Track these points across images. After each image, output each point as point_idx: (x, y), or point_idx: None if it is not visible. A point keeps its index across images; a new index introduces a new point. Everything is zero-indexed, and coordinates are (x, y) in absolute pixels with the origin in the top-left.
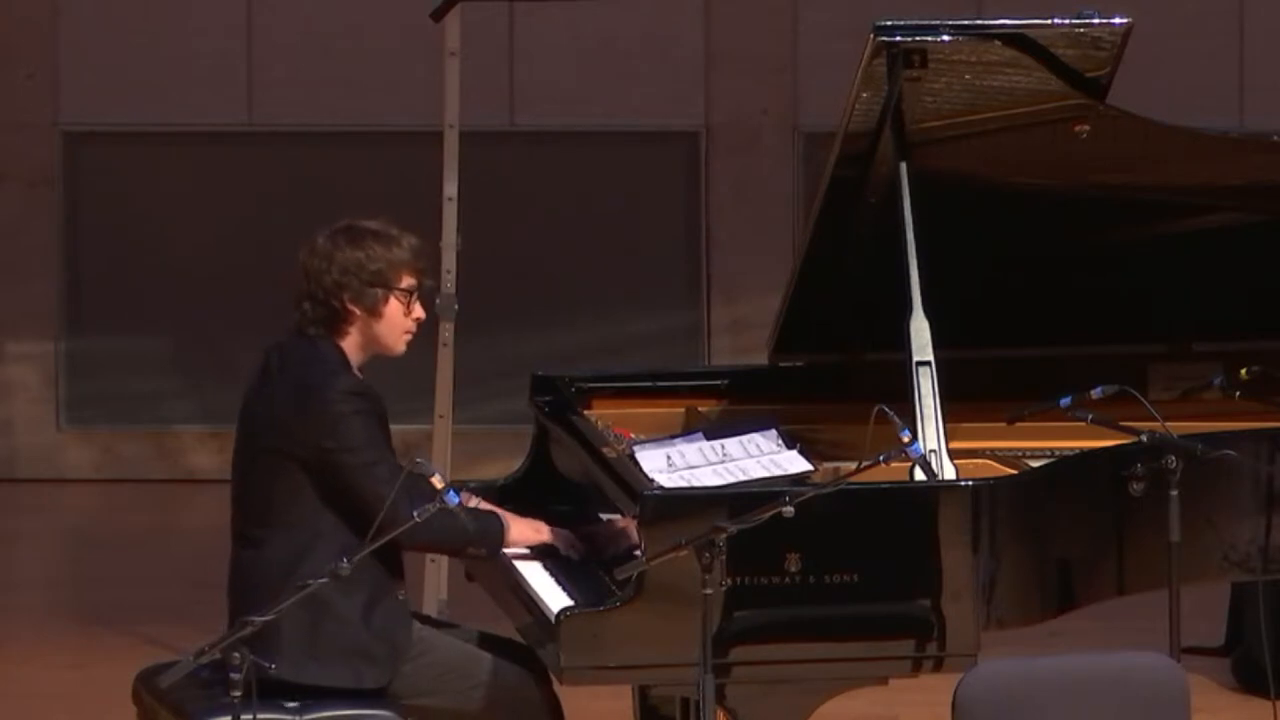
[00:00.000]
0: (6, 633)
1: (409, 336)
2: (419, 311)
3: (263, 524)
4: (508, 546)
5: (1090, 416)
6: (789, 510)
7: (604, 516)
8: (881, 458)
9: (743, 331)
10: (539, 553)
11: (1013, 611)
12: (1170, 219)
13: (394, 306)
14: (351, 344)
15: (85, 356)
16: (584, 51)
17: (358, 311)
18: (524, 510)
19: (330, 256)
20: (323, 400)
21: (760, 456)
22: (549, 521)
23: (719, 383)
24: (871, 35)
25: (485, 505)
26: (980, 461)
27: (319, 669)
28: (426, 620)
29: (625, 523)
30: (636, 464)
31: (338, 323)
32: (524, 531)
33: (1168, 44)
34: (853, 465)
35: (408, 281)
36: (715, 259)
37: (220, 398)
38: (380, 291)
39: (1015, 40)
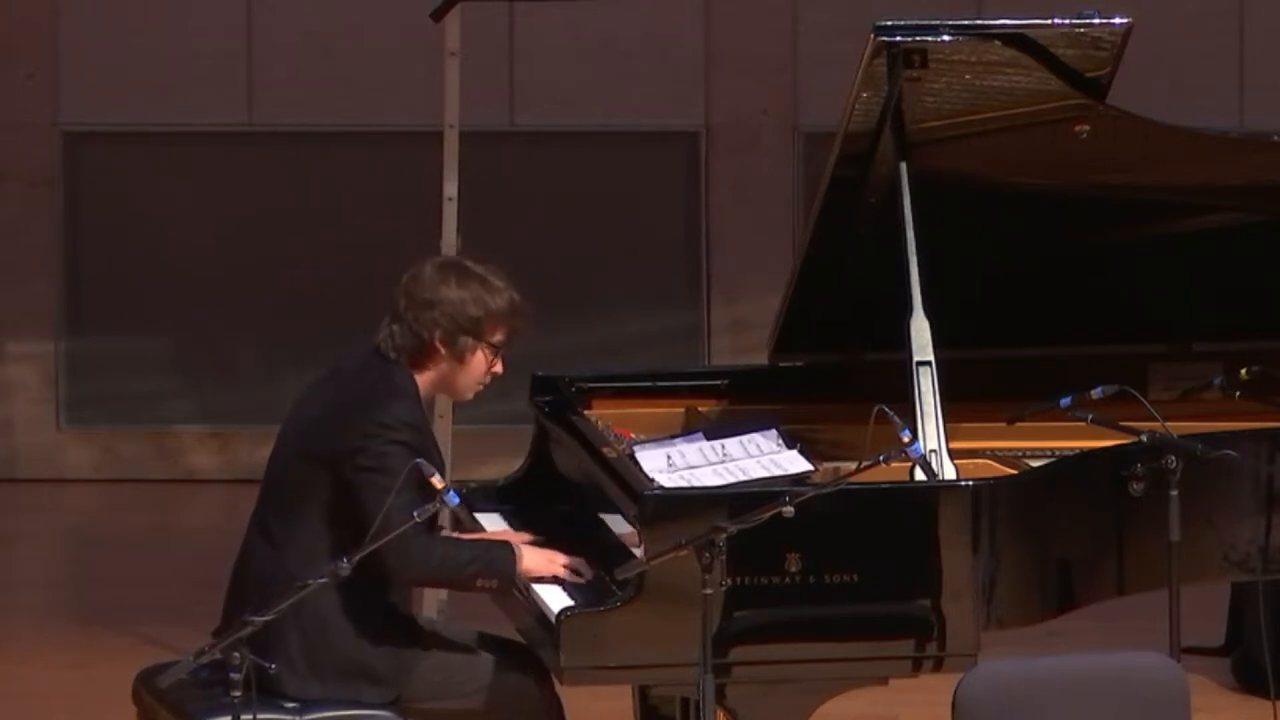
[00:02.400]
0: (6, 633)
1: (480, 388)
2: (499, 367)
3: (281, 520)
4: (521, 576)
5: (1090, 416)
6: (789, 510)
7: (603, 517)
8: (881, 458)
9: (743, 331)
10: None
11: (1013, 611)
12: (1170, 219)
13: (479, 358)
14: (426, 379)
15: (85, 356)
16: (584, 51)
17: (443, 352)
18: (525, 510)
19: (435, 289)
20: (374, 420)
21: (760, 456)
22: (552, 528)
23: (719, 383)
24: (871, 35)
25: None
26: (980, 461)
27: (320, 684)
28: (427, 622)
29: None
30: (636, 464)
31: (421, 355)
32: (538, 562)
33: (1168, 44)
34: (853, 465)
35: (499, 336)
36: (715, 259)
37: (220, 398)
38: (471, 340)
39: (1015, 40)
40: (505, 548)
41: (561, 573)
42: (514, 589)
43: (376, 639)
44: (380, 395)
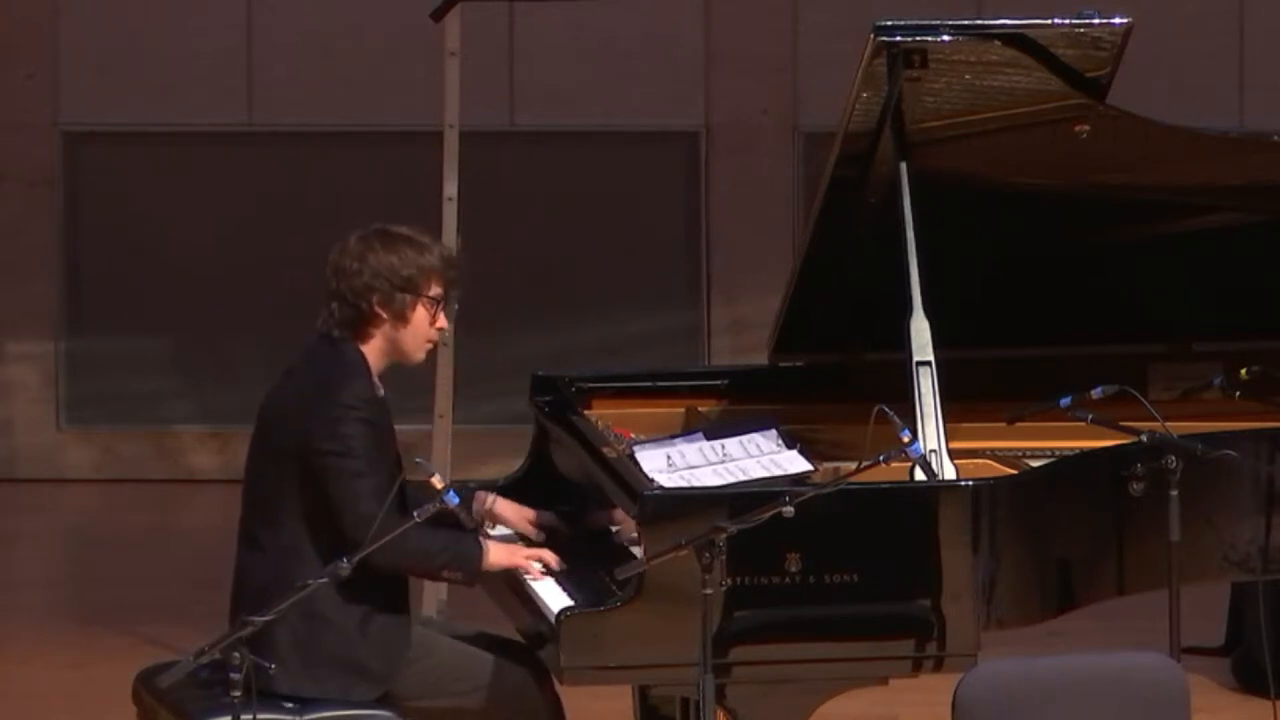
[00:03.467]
0: (6, 633)
1: (430, 346)
2: (443, 321)
3: (265, 524)
4: (487, 569)
5: (1090, 416)
6: (789, 510)
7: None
8: (881, 458)
9: (743, 331)
10: None
11: (1013, 611)
12: (1170, 219)
13: (420, 314)
14: (374, 349)
15: (85, 356)
16: (584, 51)
17: (384, 316)
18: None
19: (362, 258)
20: (332, 402)
21: (760, 456)
22: (551, 520)
23: (719, 383)
24: (871, 35)
25: (500, 505)
26: (980, 461)
27: (311, 680)
28: (427, 622)
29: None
30: (636, 464)
31: (363, 325)
32: (500, 555)
33: (1168, 44)
34: (853, 465)
35: (436, 290)
36: (715, 259)
37: (220, 398)
38: (409, 297)
39: (1015, 40)
40: (473, 541)
41: (522, 564)
42: (507, 588)
43: (368, 635)
44: (334, 376)
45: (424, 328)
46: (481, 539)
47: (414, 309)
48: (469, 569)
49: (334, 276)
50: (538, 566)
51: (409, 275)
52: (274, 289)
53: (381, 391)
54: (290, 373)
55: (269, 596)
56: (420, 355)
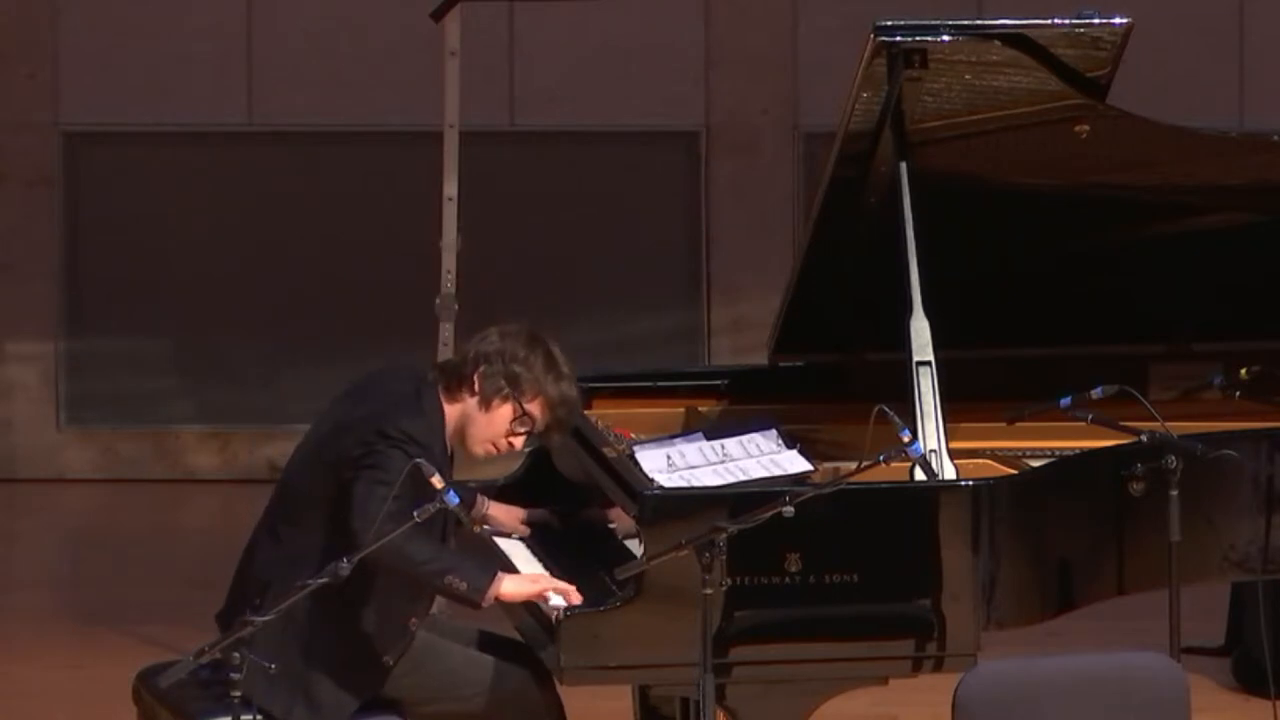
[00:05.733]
0: (6, 633)
1: (492, 450)
2: (518, 441)
3: (288, 521)
4: (498, 598)
5: (1090, 416)
6: (789, 510)
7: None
8: (881, 458)
9: (743, 331)
10: (539, 554)
11: (1013, 611)
12: (1170, 219)
13: (504, 414)
14: (453, 412)
15: (85, 356)
16: (584, 52)
17: (475, 387)
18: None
19: (504, 337)
20: (378, 430)
21: (760, 456)
22: (543, 517)
23: (719, 383)
24: (871, 35)
25: (492, 509)
26: (980, 461)
27: (271, 688)
28: (430, 624)
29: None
30: (636, 464)
31: (457, 386)
32: (519, 586)
33: (1168, 44)
34: (853, 465)
35: (533, 409)
36: (715, 259)
37: (220, 398)
38: (507, 390)
39: (1015, 40)
40: (489, 565)
41: (541, 595)
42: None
43: (334, 669)
44: (397, 410)
45: (499, 428)
46: (498, 571)
47: (502, 404)
48: (475, 584)
49: (479, 334)
50: (558, 600)
51: (519, 374)
52: (274, 289)
53: (447, 451)
54: (362, 388)
55: (270, 591)
56: (479, 451)
